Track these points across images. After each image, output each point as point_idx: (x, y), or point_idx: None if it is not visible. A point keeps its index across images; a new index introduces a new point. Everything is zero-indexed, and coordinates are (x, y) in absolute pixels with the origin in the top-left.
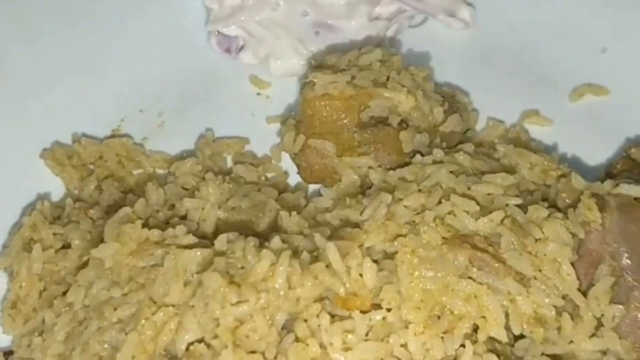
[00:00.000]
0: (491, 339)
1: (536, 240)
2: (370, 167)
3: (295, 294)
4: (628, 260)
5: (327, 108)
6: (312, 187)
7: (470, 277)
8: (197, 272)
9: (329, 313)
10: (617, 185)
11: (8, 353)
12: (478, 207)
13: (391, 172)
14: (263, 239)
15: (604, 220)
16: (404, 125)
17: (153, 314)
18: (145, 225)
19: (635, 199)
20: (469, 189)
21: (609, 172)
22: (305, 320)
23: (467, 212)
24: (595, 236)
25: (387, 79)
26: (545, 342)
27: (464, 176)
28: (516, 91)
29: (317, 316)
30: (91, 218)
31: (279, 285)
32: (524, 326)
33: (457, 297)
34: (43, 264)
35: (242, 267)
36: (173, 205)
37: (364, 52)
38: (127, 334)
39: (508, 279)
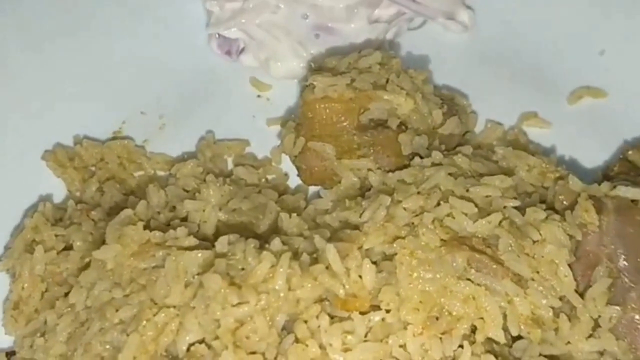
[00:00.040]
0: (489, 340)
1: (534, 242)
2: (369, 170)
3: (295, 295)
4: (625, 262)
5: (327, 111)
6: (312, 189)
7: (468, 279)
8: (198, 274)
9: (329, 314)
10: (614, 187)
11: (10, 354)
12: (476, 209)
13: (390, 174)
14: (263, 240)
15: (601, 222)
16: (403, 127)
17: (154, 315)
18: (147, 227)
19: (633, 201)
20: (467, 191)
21: (606, 175)
22: (305, 321)
23: (466, 214)
24: (592, 238)
25: (387, 81)
26: (542, 343)
27: (463, 178)
28: (515, 94)
29: (317, 317)
30: (93, 220)
31: (279, 286)
32: (522, 327)
33: (455, 299)
34: (45, 266)
35: (243, 269)
36: (174, 207)
37: (363, 55)
38: (129, 335)
39: (506, 281)
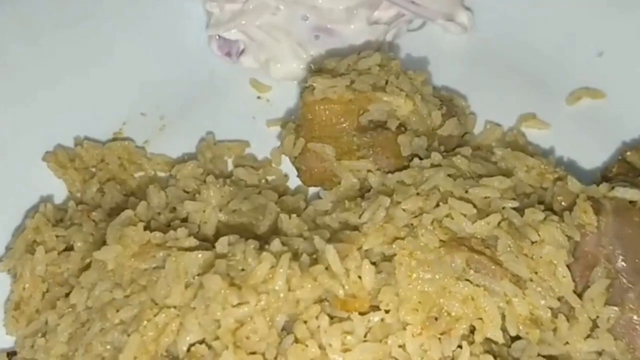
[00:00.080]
0: (488, 340)
1: (532, 242)
2: (369, 171)
3: (295, 295)
4: (623, 263)
5: (327, 112)
6: (312, 190)
7: (467, 279)
8: (198, 274)
9: (328, 314)
10: (612, 188)
11: (12, 354)
12: (475, 210)
13: (390, 175)
14: (263, 241)
15: (600, 223)
16: (403, 129)
17: (155, 316)
18: (147, 227)
19: (631, 202)
20: (466, 192)
21: (605, 176)
22: (305, 322)
23: (465, 215)
24: (590, 239)
25: (386, 83)
26: (541, 343)
27: (462, 179)
28: (514, 95)
29: (317, 318)
30: (93, 220)
31: (279, 287)
32: (520, 327)
33: (454, 299)
34: (46, 266)
35: (243, 270)
36: (174, 208)
37: (363, 57)
38: (129, 335)
39: (504, 281)
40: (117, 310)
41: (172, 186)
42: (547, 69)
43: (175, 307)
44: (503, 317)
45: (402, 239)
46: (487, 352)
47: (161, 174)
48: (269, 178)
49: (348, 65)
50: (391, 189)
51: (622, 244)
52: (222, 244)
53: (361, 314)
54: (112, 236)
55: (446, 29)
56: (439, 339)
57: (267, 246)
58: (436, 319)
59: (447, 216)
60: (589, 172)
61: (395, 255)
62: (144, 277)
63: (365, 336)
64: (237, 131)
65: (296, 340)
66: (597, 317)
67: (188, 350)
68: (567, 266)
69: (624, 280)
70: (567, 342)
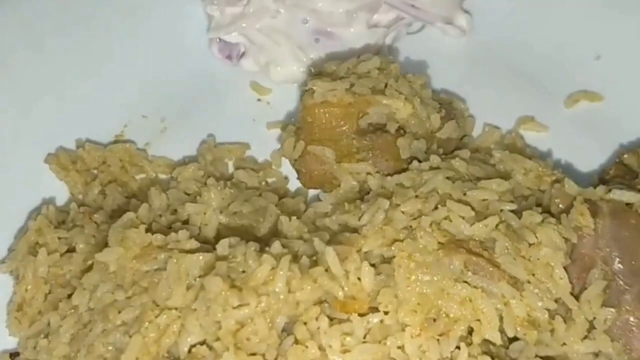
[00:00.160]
0: (486, 341)
1: (530, 244)
2: (368, 173)
3: (295, 297)
4: (620, 265)
5: (326, 115)
6: (312, 193)
7: (465, 281)
8: (199, 276)
9: (328, 316)
10: (609, 191)
11: (14, 354)
12: (473, 213)
13: (389, 178)
14: (264, 243)
15: (597, 226)
16: (402, 132)
17: (156, 317)
18: (149, 230)
19: (627, 204)
20: (464, 194)
21: (602, 178)
22: (305, 323)
23: (463, 218)
24: (587, 241)
25: (385, 86)
26: (538, 344)
27: (460, 182)
28: (512, 97)
29: (316, 319)
30: (95, 222)
31: (279, 289)
32: (518, 329)
33: (452, 301)
34: (48, 268)
35: (243, 272)
36: (175, 210)
37: (362, 60)
38: (131, 337)
39: (502, 283)
40: (119, 312)
41: (173, 188)
42: (545, 71)
43: (176, 308)
44: (501, 318)
45: (401, 241)
46: (485, 353)
47: (162, 176)
48: (269, 180)
49: (348, 69)
50: (390, 191)
51: (619, 246)
52: (222, 246)
53: (360, 315)
54: (114, 238)
55: (445, 32)
56: (438, 340)
57: (267, 248)
58: (435, 320)
59: (445, 218)
60: (586, 174)
61: (394, 257)
62: (146, 279)
63: (364, 337)
64: (237, 134)
65: (296, 342)
66: (594, 318)
67: (189, 351)
68: (564, 268)
69: (621, 282)
70: (564, 343)
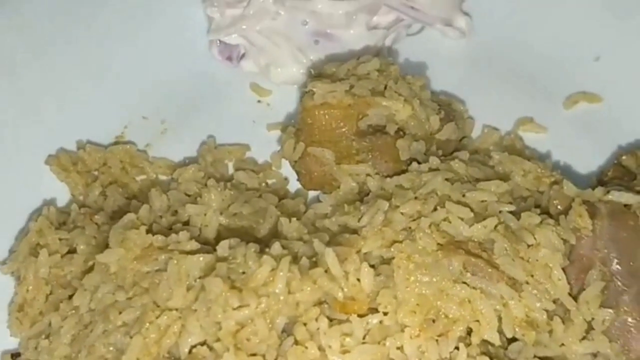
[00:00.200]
0: (484, 342)
1: (528, 246)
2: (368, 175)
3: (294, 298)
4: (618, 266)
5: (326, 117)
6: (312, 194)
7: (464, 282)
8: (199, 277)
9: (328, 317)
10: (607, 192)
11: (16, 355)
12: (472, 214)
13: (388, 179)
14: (264, 245)
15: (595, 227)
16: (401, 133)
17: (157, 318)
18: (149, 231)
19: (626, 205)
20: (463, 196)
21: (600, 180)
22: (305, 324)
23: (462, 219)
24: (586, 242)
25: (385, 88)
26: (537, 344)
27: (459, 183)
28: (511, 99)
29: (316, 320)
30: (96, 223)
31: (279, 290)
32: (516, 329)
33: (451, 302)
34: (49, 269)
35: (244, 273)
36: (176, 211)
37: (362, 62)
38: (132, 337)
39: (501, 284)
40: (120, 313)
41: (174, 189)
42: (544, 73)
43: (177, 309)
44: (499, 319)
45: (401, 242)
46: (483, 353)
47: (163, 177)
48: (269, 181)
49: (347, 70)
50: (390, 192)
51: (617, 247)
52: (223, 248)
53: (360, 316)
54: (114, 239)
55: (444, 34)
56: (437, 340)
57: (267, 249)
58: (434, 321)
59: (444, 220)
60: (585, 176)
61: (393, 258)
62: (146, 280)
63: (364, 338)
64: (237, 135)
65: (296, 342)
66: (592, 319)
67: (190, 352)
68: (563, 269)
69: (619, 282)
70: (562, 344)
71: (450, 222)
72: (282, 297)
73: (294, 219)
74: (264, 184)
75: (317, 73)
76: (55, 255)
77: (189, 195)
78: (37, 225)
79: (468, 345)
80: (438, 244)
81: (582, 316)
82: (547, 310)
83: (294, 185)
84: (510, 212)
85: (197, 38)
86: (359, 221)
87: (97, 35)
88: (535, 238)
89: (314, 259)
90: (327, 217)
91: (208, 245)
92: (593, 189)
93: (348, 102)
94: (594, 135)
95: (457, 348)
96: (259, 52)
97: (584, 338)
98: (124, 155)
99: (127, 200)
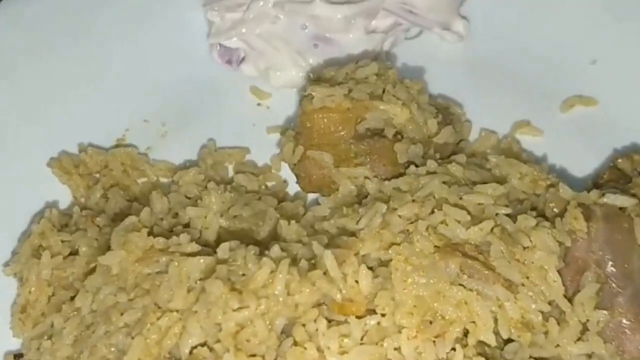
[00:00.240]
0: (481, 343)
1: (524, 248)
2: (366, 178)
3: (293, 300)
4: (613, 268)
5: (325, 120)
6: (311, 197)
7: (460, 284)
8: (200, 279)
9: (326, 318)
10: (603, 195)
11: (18, 356)
12: (469, 217)
13: (386, 182)
14: (263, 247)
15: (590, 229)
16: (399, 137)
17: (158, 319)
18: (150, 233)
19: (621, 208)
20: (460, 199)
21: (596, 182)
22: (304, 325)
23: (459, 222)
24: (581, 244)
25: (383, 91)
26: (532, 346)
27: (456, 186)
28: (508, 102)
29: (315, 321)
30: (98, 226)
31: (278, 291)
32: (512, 331)
33: (448, 303)
34: (52, 270)
35: (243, 275)
36: (176, 214)
37: (360, 66)
38: (133, 338)
39: (497, 286)
40: (121, 314)
41: (174, 192)
42: (541, 76)
43: (177, 310)
44: (495, 320)
45: (398, 244)
46: (480, 354)
47: (163, 180)
48: (269, 184)
49: (346, 74)
50: (388, 195)
51: (612, 249)
52: (223, 250)
53: (358, 317)
54: (116, 241)
55: (442, 38)
56: (434, 342)
57: (267, 252)
58: (431, 322)
59: (441, 222)
60: (580, 179)
61: (391, 260)
62: (148, 282)
63: (362, 339)
64: (237, 138)
65: (295, 343)
66: (587, 320)
67: (190, 352)
68: (558, 271)
69: (614, 284)
70: (557, 345)
71: (447, 225)
72: (281, 299)
73: (293, 222)
74: (263, 187)
75: (316, 77)
76: (58, 257)
77: (189, 198)
78: (39, 228)
79: (464, 346)
80: (435, 246)
81: (577, 317)
82: (542, 312)
83: (293, 187)
84: (507, 215)
85: (198, 42)
86: (357, 224)
87: (99, 38)
88: (531, 240)
89: (312, 261)
90: (325, 219)
91: (208, 248)
92: (589, 191)
93: (347, 105)
94: (590, 139)
95: (453, 349)
96: (258, 55)
97: (579, 339)
98: (125, 158)
99: (128, 202)
